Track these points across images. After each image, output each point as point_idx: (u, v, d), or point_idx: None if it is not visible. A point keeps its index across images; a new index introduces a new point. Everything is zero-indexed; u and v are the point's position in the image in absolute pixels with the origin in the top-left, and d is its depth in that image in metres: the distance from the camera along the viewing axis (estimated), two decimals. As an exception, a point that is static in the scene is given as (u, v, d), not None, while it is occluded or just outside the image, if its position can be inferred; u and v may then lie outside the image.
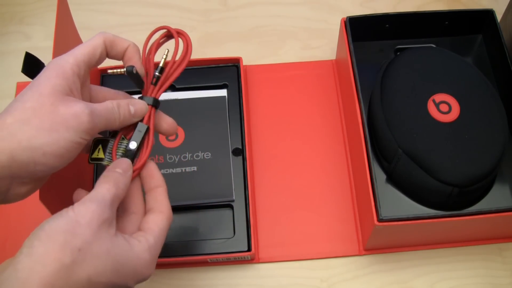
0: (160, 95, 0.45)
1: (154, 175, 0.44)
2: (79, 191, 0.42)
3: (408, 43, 0.66)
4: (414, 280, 0.59)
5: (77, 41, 0.60)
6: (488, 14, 0.64)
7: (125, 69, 0.43)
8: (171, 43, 0.47)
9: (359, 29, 0.62)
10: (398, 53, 0.65)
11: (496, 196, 0.57)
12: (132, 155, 0.43)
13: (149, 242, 0.40)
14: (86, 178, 0.61)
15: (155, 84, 0.45)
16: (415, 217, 0.52)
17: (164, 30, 0.47)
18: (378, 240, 0.58)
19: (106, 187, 0.39)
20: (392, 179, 0.58)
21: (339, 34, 0.66)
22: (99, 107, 0.41)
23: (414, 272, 0.59)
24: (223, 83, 0.66)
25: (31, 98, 0.38)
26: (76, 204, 0.37)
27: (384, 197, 0.57)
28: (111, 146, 0.44)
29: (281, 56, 0.72)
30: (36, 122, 0.37)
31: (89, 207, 0.37)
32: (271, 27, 0.75)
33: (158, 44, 0.47)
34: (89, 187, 0.61)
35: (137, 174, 0.44)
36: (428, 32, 0.66)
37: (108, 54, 0.44)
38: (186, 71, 0.67)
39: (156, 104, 0.45)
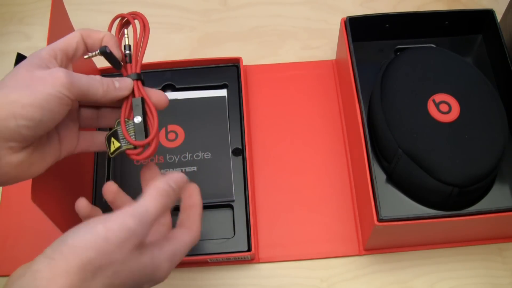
0: (139, 68, 0.47)
1: (193, 195, 0.45)
2: (81, 201, 0.43)
3: (408, 43, 0.66)
4: (414, 280, 0.59)
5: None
6: (488, 14, 0.64)
7: (98, 51, 0.45)
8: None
9: (359, 29, 0.62)
10: (398, 53, 0.65)
11: (496, 196, 0.57)
12: (141, 129, 0.44)
13: (171, 251, 0.40)
14: (86, 179, 0.61)
15: (130, 61, 0.47)
16: (415, 217, 0.52)
17: (119, 18, 0.50)
18: (378, 240, 0.58)
19: (154, 202, 0.38)
20: (392, 179, 0.58)
21: (339, 34, 0.66)
22: (78, 74, 0.42)
23: (414, 272, 0.59)
24: (223, 83, 0.66)
25: (9, 73, 0.40)
26: (109, 217, 0.36)
27: (384, 197, 0.57)
28: (121, 132, 0.44)
29: (281, 56, 0.72)
30: (12, 83, 0.39)
31: (125, 224, 0.35)
32: (271, 27, 0.75)
33: (121, 31, 0.49)
34: (88, 187, 0.61)
35: (155, 147, 0.44)
36: (428, 32, 0.66)
37: (86, 45, 0.45)
38: (186, 71, 0.68)
39: (139, 78, 0.46)
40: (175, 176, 0.41)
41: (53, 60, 0.42)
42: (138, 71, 0.47)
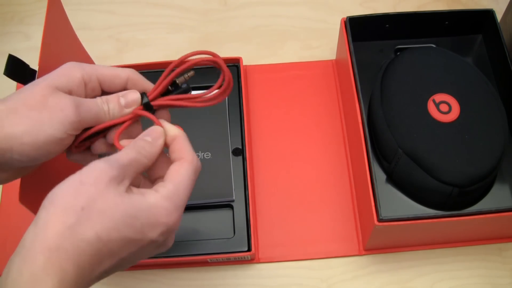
0: (157, 104, 0.43)
1: (168, 129, 0.42)
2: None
3: (408, 43, 0.66)
4: (414, 280, 0.59)
5: (74, 41, 0.60)
6: (488, 14, 0.64)
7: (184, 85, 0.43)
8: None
9: (359, 29, 0.62)
10: (398, 53, 0.65)
11: (496, 196, 0.57)
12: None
13: (168, 189, 0.38)
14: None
15: (164, 94, 0.43)
16: (415, 217, 0.52)
17: (209, 56, 0.43)
18: (378, 240, 0.58)
19: (125, 151, 0.38)
20: (392, 179, 0.58)
21: (339, 34, 0.66)
22: (87, 101, 0.40)
23: (414, 272, 0.59)
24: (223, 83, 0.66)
25: (26, 90, 0.39)
26: (84, 167, 0.36)
27: (384, 197, 0.57)
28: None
29: (281, 56, 0.72)
30: (24, 111, 0.38)
31: (96, 166, 0.36)
32: (271, 27, 0.75)
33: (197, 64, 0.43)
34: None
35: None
36: (428, 32, 0.66)
37: (126, 87, 0.43)
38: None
39: (147, 108, 0.42)
40: (149, 130, 0.40)
41: (82, 85, 0.40)
42: (153, 102, 0.42)
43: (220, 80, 0.43)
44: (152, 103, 0.42)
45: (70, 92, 0.40)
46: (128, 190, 0.36)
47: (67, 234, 0.33)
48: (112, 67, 0.42)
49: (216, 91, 0.44)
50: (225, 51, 0.72)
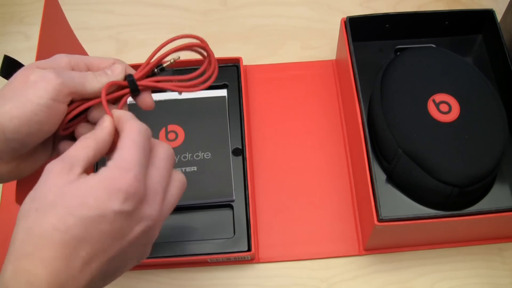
0: (142, 84, 0.42)
1: (115, 113, 0.40)
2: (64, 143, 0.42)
3: (408, 43, 0.66)
4: (414, 280, 0.59)
5: (72, 40, 0.60)
6: (488, 14, 0.64)
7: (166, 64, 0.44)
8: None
9: (359, 29, 0.62)
10: (398, 53, 0.65)
11: (496, 196, 0.57)
12: None
13: (114, 158, 0.36)
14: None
15: (149, 75, 0.43)
16: (415, 217, 0.52)
17: (196, 41, 0.44)
18: (378, 240, 0.58)
19: (75, 143, 0.38)
20: (392, 179, 0.58)
21: (339, 34, 0.66)
22: (69, 71, 0.40)
23: (414, 272, 0.59)
24: (223, 83, 0.66)
25: (12, 77, 0.40)
26: None
27: (384, 197, 0.57)
28: None
29: (281, 56, 0.72)
30: (9, 93, 0.38)
31: (47, 166, 0.36)
32: (271, 27, 0.75)
33: (187, 48, 0.44)
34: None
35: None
36: (428, 32, 0.66)
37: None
38: (186, 71, 0.67)
39: (132, 86, 0.42)
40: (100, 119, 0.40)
41: (69, 69, 0.41)
42: (139, 82, 0.42)
43: (205, 65, 0.44)
44: (138, 83, 0.42)
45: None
46: (79, 176, 0.36)
47: (27, 238, 0.33)
48: (99, 57, 0.43)
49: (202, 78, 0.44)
50: (225, 51, 0.72)
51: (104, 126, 0.39)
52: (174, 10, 0.76)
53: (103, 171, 0.35)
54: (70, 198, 0.34)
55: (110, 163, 0.36)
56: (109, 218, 0.34)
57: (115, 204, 0.34)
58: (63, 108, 0.39)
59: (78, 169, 0.36)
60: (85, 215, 0.34)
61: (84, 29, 0.74)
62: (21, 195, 0.44)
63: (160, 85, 0.43)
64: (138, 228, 0.36)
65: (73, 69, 0.41)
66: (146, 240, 0.38)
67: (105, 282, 0.37)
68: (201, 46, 0.44)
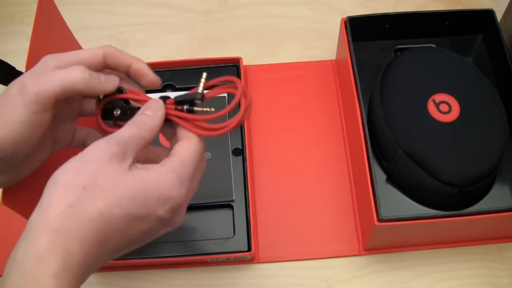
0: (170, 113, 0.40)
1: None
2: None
3: (408, 43, 0.66)
4: (414, 280, 0.59)
5: (70, 41, 0.60)
6: (488, 14, 0.64)
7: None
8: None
9: (359, 29, 0.62)
10: (398, 53, 0.65)
11: (496, 196, 0.57)
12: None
13: (174, 162, 0.37)
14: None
15: (179, 108, 0.40)
16: (415, 217, 0.52)
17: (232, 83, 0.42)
18: (378, 240, 0.58)
19: (126, 127, 0.37)
20: (392, 179, 0.58)
21: (339, 34, 0.66)
22: (50, 72, 0.38)
23: (414, 272, 0.59)
24: (223, 83, 0.66)
25: None
26: (86, 147, 0.36)
27: (384, 197, 0.57)
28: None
29: (281, 56, 0.72)
30: None
31: (97, 145, 0.35)
32: (271, 27, 0.75)
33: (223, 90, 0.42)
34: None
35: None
36: (428, 32, 0.66)
37: (109, 66, 0.42)
38: (186, 71, 0.68)
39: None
40: (148, 105, 0.39)
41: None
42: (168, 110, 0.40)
43: (232, 104, 0.41)
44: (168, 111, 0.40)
45: None
46: (132, 166, 0.36)
47: (69, 213, 0.32)
48: (88, 48, 0.41)
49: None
50: (225, 51, 0.72)
51: (158, 116, 0.39)
52: (174, 10, 0.77)
53: (160, 172, 0.36)
54: (121, 189, 0.34)
55: (168, 166, 0.36)
56: (150, 220, 0.35)
57: (161, 210, 0.36)
58: (47, 117, 0.38)
59: (130, 158, 0.36)
60: (132, 212, 0.34)
61: (84, 29, 0.74)
62: (7, 196, 0.43)
63: (181, 122, 0.40)
64: (163, 231, 0.38)
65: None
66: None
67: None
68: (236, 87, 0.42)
